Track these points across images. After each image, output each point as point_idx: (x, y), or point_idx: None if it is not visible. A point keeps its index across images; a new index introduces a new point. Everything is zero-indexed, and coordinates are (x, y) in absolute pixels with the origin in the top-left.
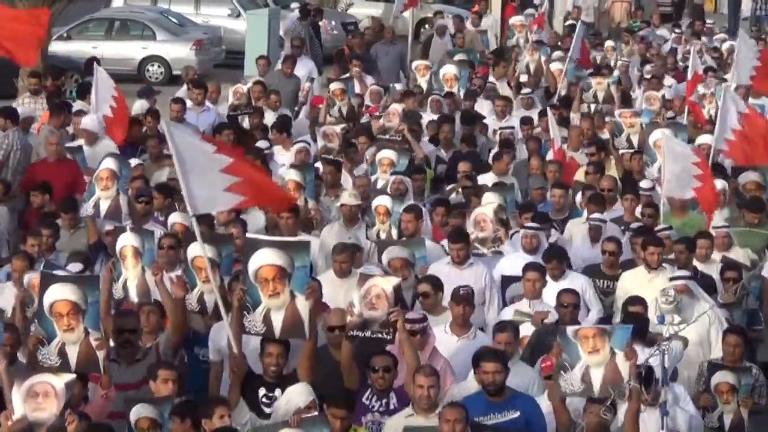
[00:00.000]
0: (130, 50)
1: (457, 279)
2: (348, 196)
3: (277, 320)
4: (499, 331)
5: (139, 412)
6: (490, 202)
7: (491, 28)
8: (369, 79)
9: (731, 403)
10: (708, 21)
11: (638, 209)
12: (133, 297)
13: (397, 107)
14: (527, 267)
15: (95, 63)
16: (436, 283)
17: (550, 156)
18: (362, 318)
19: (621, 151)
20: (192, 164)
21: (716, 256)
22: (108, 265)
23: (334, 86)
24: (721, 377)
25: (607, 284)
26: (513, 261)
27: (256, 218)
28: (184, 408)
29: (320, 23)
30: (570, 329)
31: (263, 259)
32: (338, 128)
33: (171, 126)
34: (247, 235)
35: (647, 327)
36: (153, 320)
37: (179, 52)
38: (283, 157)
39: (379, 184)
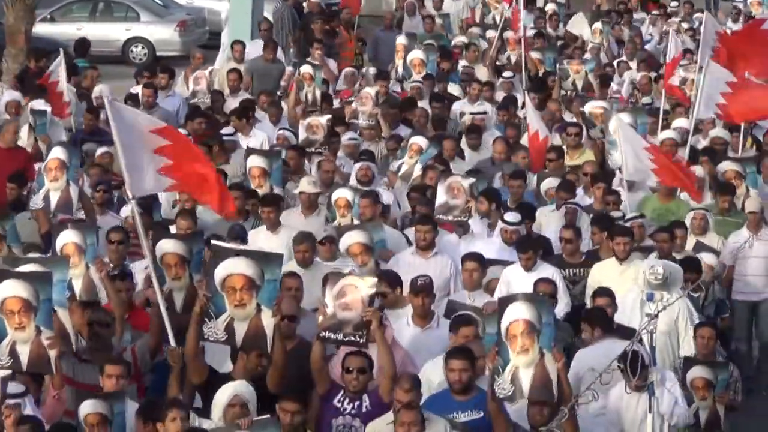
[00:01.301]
0: (114, 32)
1: (421, 269)
2: (306, 183)
3: (240, 331)
4: (465, 324)
5: (87, 408)
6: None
7: (454, 12)
8: (332, 63)
9: (707, 399)
10: (673, 4)
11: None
12: (80, 295)
13: (369, 91)
14: (465, 257)
15: (61, 49)
16: (393, 280)
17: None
18: (336, 319)
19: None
20: (130, 144)
21: (691, 240)
22: None
23: (304, 69)
24: (698, 372)
25: (574, 272)
26: (486, 246)
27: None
28: (146, 410)
29: (303, 4)
30: (503, 325)
31: (232, 268)
32: (323, 120)
33: (113, 104)
34: (215, 242)
35: (609, 320)
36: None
37: (163, 34)
38: (244, 142)
39: (403, 169)
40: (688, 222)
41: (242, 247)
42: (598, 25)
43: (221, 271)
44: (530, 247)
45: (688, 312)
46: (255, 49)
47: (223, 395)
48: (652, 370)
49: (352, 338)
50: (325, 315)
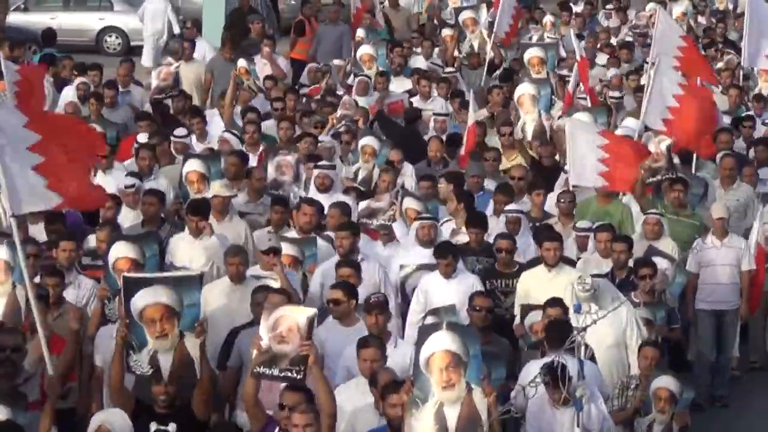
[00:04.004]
0: (88, 21)
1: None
2: (219, 186)
3: (166, 362)
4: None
5: None
6: (410, 207)
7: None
8: (281, 60)
9: (666, 413)
10: None
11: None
12: (3, 315)
13: (347, 98)
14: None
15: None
16: (351, 291)
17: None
18: (271, 353)
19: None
20: (13, 155)
21: (643, 244)
22: None
23: (240, 64)
24: (664, 382)
25: (506, 283)
26: (411, 254)
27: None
28: None
29: None
30: (423, 354)
31: (149, 298)
32: (292, 159)
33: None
34: (127, 274)
35: (569, 333)
36: None
37: (137, 23)
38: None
39: (360, 175)
40: (639, 227)
41: (155, 274)
42: (549, 17)
43: (138, 302)
44: (449, 252)
45: (636, 325)
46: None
47: (91, 424)
48: (580, 384)
49: (288, 374)
50: (259, 348)
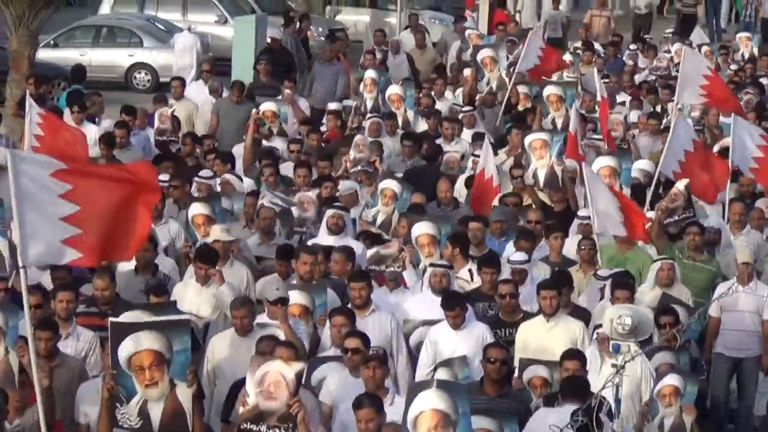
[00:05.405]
0: (117, 57)
1: (359, 327)
2: (219, 231)
3: (156, 413)
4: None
5: None
6: (422, 233)
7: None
8: (302, 103)
9: (674, 406)
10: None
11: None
12: None
13: (361, 138)
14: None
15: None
16: (367, 340)
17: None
18: (258, 409)
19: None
20: (33, 204)
21: (656, 292)
22: None
23: (266, 107)
24: (666, 380)
25: (510, 332)
26: (418, 303)
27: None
28: None
29: (308, 32)
30: (411, 414)
31: (137, 345)
32: (313, 195)
33: (16, 156)
34: (112, 320)
35: (587, 389)
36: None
37: (166, 59)
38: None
39: (379, 219)
40: (653, 273)
41: (143, 320)
42: (567, 56)
43: (124, 349)
44: (457, 303)
45: (651, 376)
46: (196, 89)
47: None
48: (617, 423)
49: (277, 431)
50: (245, 405)
